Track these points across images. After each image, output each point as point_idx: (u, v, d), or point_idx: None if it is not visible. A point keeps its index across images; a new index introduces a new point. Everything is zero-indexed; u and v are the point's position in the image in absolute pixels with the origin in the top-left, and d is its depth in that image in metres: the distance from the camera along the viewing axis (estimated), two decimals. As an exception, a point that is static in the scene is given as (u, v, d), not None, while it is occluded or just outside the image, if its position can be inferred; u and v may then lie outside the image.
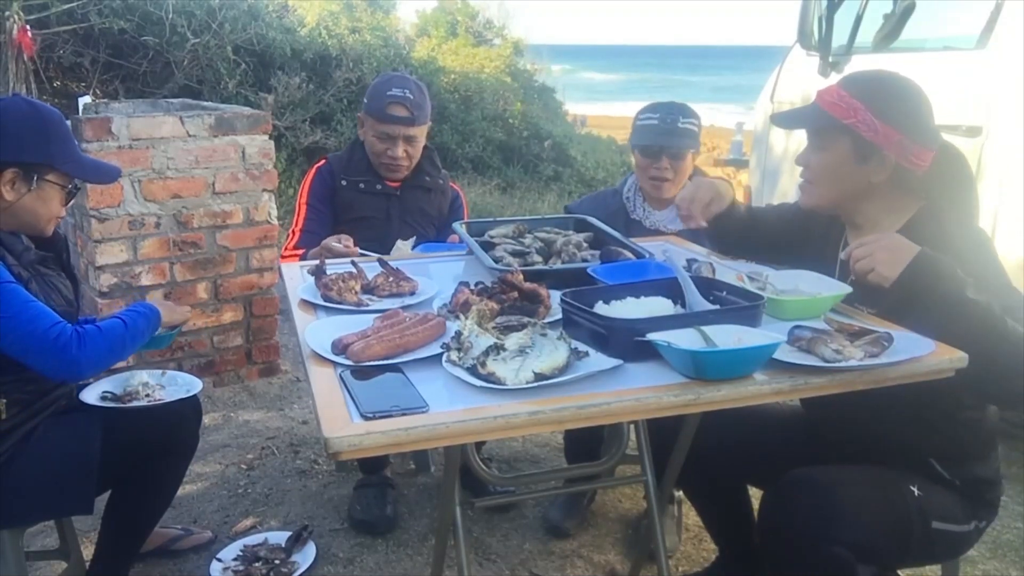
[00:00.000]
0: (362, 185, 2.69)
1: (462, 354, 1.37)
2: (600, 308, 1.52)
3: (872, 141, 1.69)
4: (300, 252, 2.59)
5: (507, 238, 2.11)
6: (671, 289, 1.62)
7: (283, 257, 2.71)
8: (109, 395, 2.05)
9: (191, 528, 2.54)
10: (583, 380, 1.33)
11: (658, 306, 1.57)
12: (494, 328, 1.47)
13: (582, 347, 1.39)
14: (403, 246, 2.50)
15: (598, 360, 1.36)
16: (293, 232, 2.71)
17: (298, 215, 2.73)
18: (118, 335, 1.87)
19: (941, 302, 1.50)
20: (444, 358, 1.39)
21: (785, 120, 1.94)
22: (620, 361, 1.37)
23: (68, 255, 2.08)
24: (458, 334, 1.42)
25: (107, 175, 2.07)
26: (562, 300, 1.54)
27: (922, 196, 1.75)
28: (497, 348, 1.35)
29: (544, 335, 1.39)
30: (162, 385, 2.13)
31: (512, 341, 1.38)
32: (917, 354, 1.41)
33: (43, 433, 1.91)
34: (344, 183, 2.69)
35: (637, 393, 1.31)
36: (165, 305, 2.10)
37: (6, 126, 1.85)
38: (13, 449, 1.85)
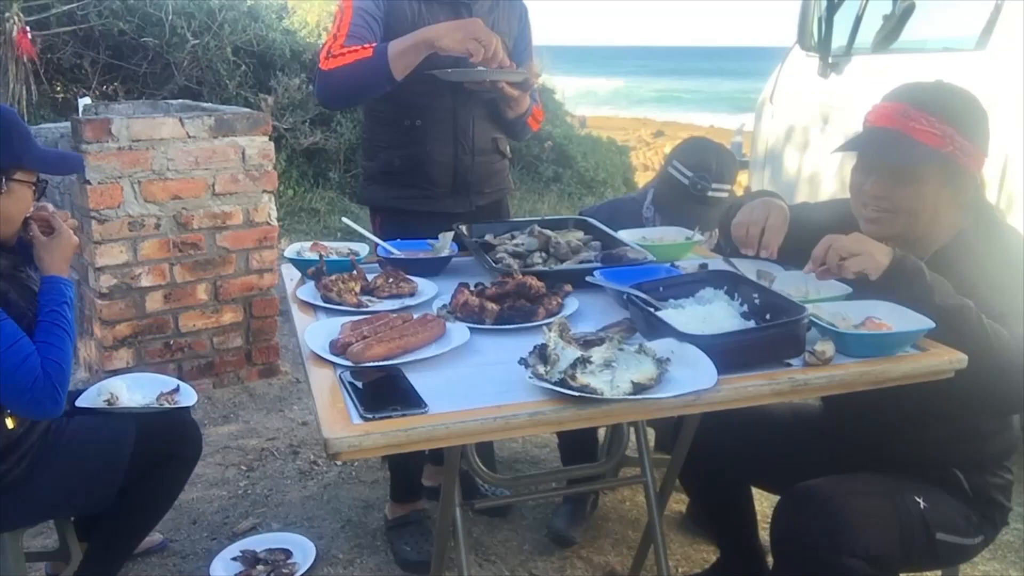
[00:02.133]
0: None
1: (549, 368, 1.33)
2: (665, 316, 1.48)
3: (966, 167, 1.63)
4: (357, 50, 2.09)
5: (518, 243, 2.05)
6: (719, 282, 1.62)
7: (332, 58, 2.13)
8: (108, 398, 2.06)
9: None
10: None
11: (721, 311, 1.52)
12: (575, 341, 1.42)
13: (662, 355, 1.35)
14: (444, 239, 2.13)
15: (697, 378, 1.31)
16: (336, 36, 2.17)
17: (341, 20, 2.18)
18: (67, 351, 1.80)
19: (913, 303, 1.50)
20: (528, 373, 1.32)
21: (870, 150, 1.72)
22: (716, 378, 1.31)
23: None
24: (543, 347, 1.36)
25: (70, 166, 2.07)
26: (647, 314, 1.49)
27: (972, 210, 1.71)
28: (584, 361, 1.32)
29: (621, 349, 1.37)
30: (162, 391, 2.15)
31: (597, 355, 1.35)
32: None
33: (73, 434, 1.93)
34: None
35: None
36: (51, 246, 1.90)
37: None
38: (38, 452, 1.87)
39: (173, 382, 2.20)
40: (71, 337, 1.82)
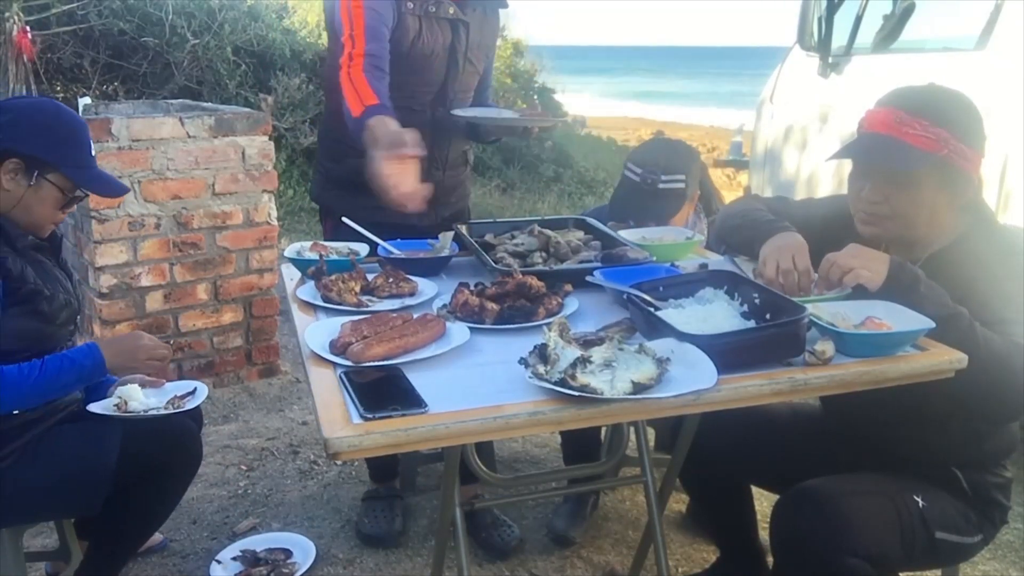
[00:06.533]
0: (432, 8, 2.05)
1: (549, 368, 1.32)
2: (665, 315, 1.47)
3: (963, 169, 1.62)
4: (365, 89, 1.93)
5: (518, 242, 2.06)
6: (719, 282, 1.62)
7: (348, 73, 1.97)
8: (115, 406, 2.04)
9: None
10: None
11: (721, 311, 1.52)
12: (575, 341, 1.42)
13: (662, 355, 1.34)
14: (444, 239, 2.10)
15: (697, 378, 1.31)
16: (353, 39, 1.99)
17: (354, 17, 1.98)
18: (27, 385, 1.80)
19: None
20: (528, 373, 1.32)
21: (864, 157, 1.71)
22: (716, 377, 1.31)
23: (61, 252, 2.08)
24: (543, 347, 1.36)
25: (111, 189, 2.04)
26: (647, 313, 1.49)
27: (971, 212, 1.71)
28: (584, 360, 1.32)
29: (621, 349, 1.37)
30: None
31: (597, 354, 1.35)
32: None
33: (58, 437, 1.91)
34: (411, 4, 2.02)
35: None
36: (119, 346, 1.95)
37: (25, 118, 1.88)
38: (21, 452, 1.86)
39: (191, 384, 2.16)
40: (38, 384, 1.80)
